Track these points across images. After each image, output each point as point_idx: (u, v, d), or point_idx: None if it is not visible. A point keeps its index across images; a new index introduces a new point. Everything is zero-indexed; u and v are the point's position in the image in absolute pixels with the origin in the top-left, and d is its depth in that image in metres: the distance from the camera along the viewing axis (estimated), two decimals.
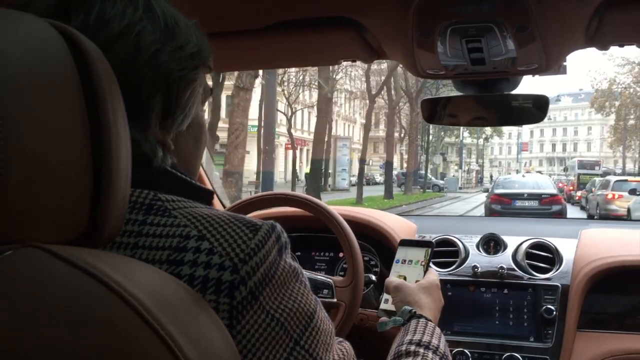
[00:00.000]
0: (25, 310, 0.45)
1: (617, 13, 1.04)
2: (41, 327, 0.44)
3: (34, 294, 0.46)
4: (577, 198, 25.27)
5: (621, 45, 1.22)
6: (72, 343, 0.44)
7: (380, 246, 1.88)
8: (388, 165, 25.79)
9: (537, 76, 1.39)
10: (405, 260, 1.28)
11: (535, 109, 1.44)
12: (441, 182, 40.74)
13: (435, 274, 1.22)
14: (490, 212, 15.11)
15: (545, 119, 1.45)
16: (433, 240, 1.35)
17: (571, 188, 29.30)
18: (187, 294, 0.57)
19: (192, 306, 0.56)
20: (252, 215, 1.77)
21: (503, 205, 15.18)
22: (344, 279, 1.60)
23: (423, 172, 37.82)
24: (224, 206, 2.07)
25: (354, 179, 30.27)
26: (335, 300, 1.57)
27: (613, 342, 1.64)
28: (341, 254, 1.93)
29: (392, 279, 1.22)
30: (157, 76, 0.72)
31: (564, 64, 1.34)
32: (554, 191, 16.14)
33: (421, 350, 0.96)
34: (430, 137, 43.00)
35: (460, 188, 42.77)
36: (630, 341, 1.64)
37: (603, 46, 1.22)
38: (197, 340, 0.52)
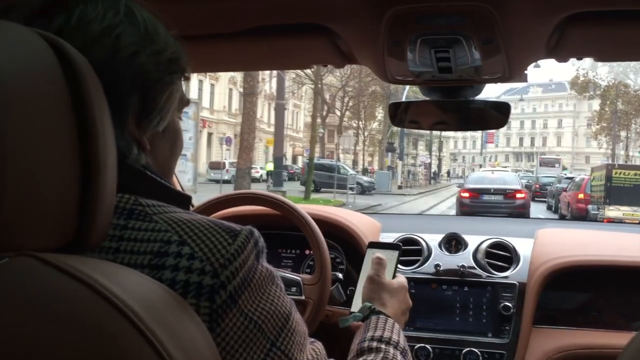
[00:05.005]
0: (20, 314, 0.47)
1: (576, 29, 1.10)
2: (34, 330, 0.46)
3: (28, 299, 0.48)
4: (604, 221, 12.51)
5: (579, 58, 1.28)
6: (63, 345, 0.47)
7: (346, 244, 1.92)
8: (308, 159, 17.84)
9: None
10: None
11: (497, 113, 1.50)
12: (356, 175, 25.93)
13: (403, 278, 1.24)
14: (460, 205, 16.47)
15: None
16: (400, 244, 1.37)
17: (581, 197, 15.85)
18: (172, 297, 0.59)
19: (176, 310, 0.58)
20: (219, 214, 1.78)
21: (472, 199, 16.41)
22: (312, 277, 1.63)
23: (334, 163, 26.88)
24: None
25: (221, 174, 22.66)
26: (303, 297, 1.59)
27: (566, 338, 1.72)
28: (307, 252, 1.96)
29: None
30: (134, 76, 0.73)
31: (525, 72, 1.40)
32: (518, 187, 17.28)
33: (382, 346, 0.99)
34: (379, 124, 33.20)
35: (400, 187, 31.63)
36: (582, 336, 1.72)
37: (562, 58, 1.28)
38: (182, 342, 0.55)
